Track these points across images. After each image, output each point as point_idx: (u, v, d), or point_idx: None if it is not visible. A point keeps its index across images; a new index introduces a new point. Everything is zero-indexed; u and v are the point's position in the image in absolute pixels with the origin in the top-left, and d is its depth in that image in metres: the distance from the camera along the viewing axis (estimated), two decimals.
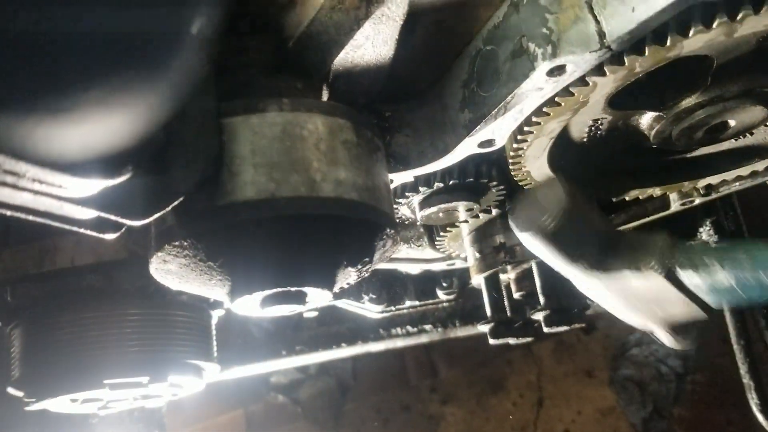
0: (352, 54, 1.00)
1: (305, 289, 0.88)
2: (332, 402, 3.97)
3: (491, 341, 1.50)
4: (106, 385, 1.49)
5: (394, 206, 1.37)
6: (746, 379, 1.90)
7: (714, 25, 0.89)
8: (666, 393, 3.53)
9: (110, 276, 1.51)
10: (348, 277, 0.95)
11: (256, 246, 0.84)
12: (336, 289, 0.94)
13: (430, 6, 0.99)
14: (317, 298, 0.91)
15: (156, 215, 0.75)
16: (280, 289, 0.87)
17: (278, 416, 4.00)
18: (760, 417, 1.91)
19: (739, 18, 0.88)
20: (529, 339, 1.52)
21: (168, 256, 0.87)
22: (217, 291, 0.91)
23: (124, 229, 0.75)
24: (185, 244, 0.83)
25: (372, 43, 0.99)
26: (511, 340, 1.52)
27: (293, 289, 0.87)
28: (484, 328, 1.50)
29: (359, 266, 0.93)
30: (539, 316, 1.45)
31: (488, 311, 1.52)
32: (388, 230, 0.93)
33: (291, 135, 0.86)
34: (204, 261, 0.86)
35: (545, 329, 1.45)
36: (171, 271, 0.90)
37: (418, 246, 1.66)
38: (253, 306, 0.90)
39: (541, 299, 1.46)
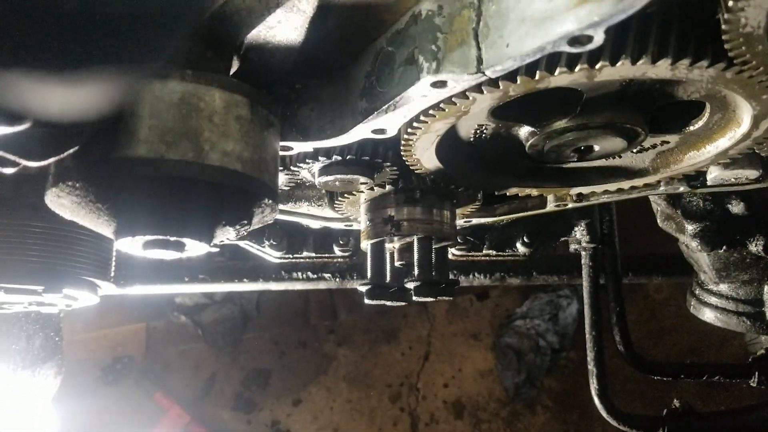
0: (265, 33, 1.09)
1: (184, 239, 1.00)
2: (233, 329, 4.12)
3: (367, 301, 1.66)
4: (1, 288, 1.58)
5: (296, 169, 1.48)
6: (591, 366, 2.12)
7: (576, 69, 1.02)
8: (540, 364, 3.86)
9: (17, 187, 1.57)
10: (227, 233, 1.06)
11: (142, 197, 0.94)
12: (215, 242, 1.06)
13: (341, 4, 1.09)
14: (196, 248, 1.03)
15: (51, 159, 0.84)
16: (159, 237, 0.98)
17: (179, 335, 4.13)
18: (596, 401, 2.14)
19: (597, 67, 1.02)
20: (402, 303, 1.68)
21: (62, 193, 0.96)
22: (103, 228, 1.01)
23: (21, 166, 0.84)
24: (78, 185, 0.93)
25: (283, 27, 1.08)
26: (387, 303, 1.68)
27: (172, 238, 0.98)
28: (362, 288, 1.65)
29: (237, 227, 1.05)
30: (411, 285, 1.62)
31: (369, 274, 1.67)
32: (267, 200, 1.05)
33: (188, 104, 0.95)
34: (93, 202, 0.95)
35: (414, 297, 1.61)
36: (64, 205, 0.99)
37: (319, 205, 1.78)
38: (135, 247, 1.01)
39: (416, 271, 1.61)
